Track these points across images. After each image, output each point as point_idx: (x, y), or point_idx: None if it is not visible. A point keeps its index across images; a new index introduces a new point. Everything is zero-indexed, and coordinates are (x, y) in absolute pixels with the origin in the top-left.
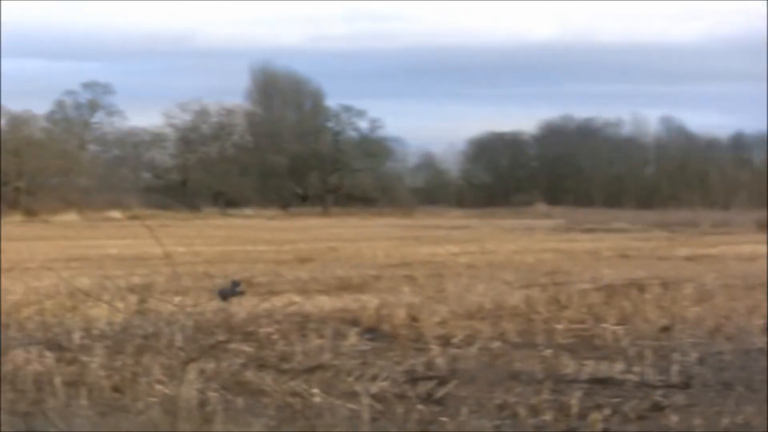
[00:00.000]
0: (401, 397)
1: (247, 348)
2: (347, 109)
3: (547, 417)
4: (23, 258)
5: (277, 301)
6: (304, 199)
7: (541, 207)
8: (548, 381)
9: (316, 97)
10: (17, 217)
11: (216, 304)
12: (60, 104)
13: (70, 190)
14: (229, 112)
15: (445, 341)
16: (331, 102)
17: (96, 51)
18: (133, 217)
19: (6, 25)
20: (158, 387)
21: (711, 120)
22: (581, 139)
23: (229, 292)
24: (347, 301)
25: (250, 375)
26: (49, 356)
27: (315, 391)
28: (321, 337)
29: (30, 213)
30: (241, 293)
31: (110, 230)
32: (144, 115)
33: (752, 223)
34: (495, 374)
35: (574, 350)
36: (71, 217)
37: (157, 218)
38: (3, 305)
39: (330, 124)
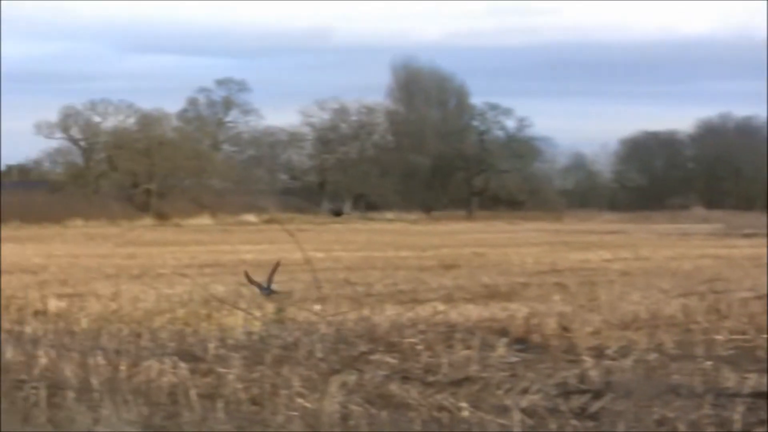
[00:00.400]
0: (553, 411)
1: (390, 359)
2: (493, 107)
3: None
4: (155, 264)
5: (421, 310)
6: (447, 202)
7: (698, 211)
8: (709, 395)
9: (460, 94)
10: (148, 221)
11: (357, 312)
12: (193, 102)
13: (203, 193)
14: (370, 110)
15: (599, 353)
16: (476, 100)
17: (231, 46)
18: (269, 221)
19: (137, 20)
20: (299, 400)
21: None
22: (741, 138)
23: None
24: (495, 310)
25: (394, 388)
26: (184, 367)
27: (463, 405)
28: (468, 347)
29: (161, 216)
30: (272, 291)
31: (245, 234)
32: (280, 113)
33: None
34: (652, 387)
35: (736, 362)
36: (204, 220)
37: (293, 222)
38: (135, 313)
39: (475, 123)
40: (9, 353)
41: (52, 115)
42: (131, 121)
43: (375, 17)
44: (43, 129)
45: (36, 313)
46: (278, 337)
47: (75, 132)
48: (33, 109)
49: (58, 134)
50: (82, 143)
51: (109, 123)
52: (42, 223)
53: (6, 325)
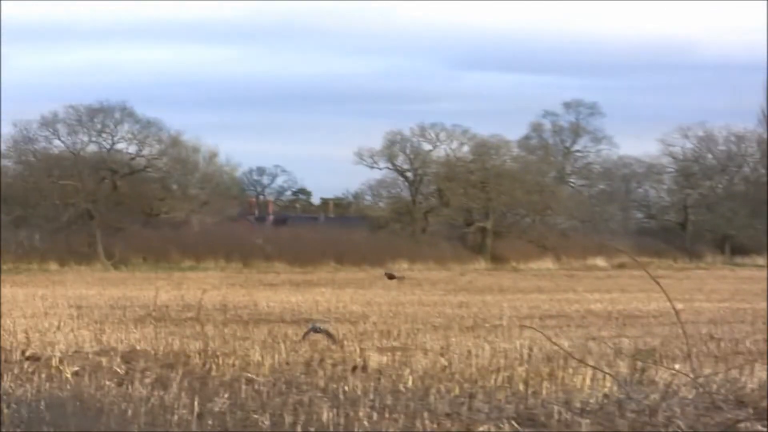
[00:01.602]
0: None
1: (762, 428)
2: None
3: None
4: (490, 313)
5: None
6: None
7: None
8: None
9: None
10: (482, 264)
11: (724, 374)
12: (536, 128)
13: (546, 233)
14: (739, 138)
15: None
16: None
17: (580, 64)
18: (621, 266)
19: (474, 33)
20: None
21: None
22: None
23: (314, 330)
24: None
25: None
26: None
27: None
28: None
29: (497, 259)
30: (325, 332)
31: (593, 281)
32: (636, 141)
33: None
34: None
35: None
36: (546, 264)
37: (649, 267)
38: (468, 370)
39: None
40: (325, 414)
41: (376, 142)
42: (465, 149)
43: (745, 29)
44: (364, 157)
45: (355, 369)
46: (634, 401)
47: (401, 161)
48: (353, 135)
49: (382, 163)
50: (408, 174)
51: (441, 151)
52: (361, 265)
53: (320, 383)
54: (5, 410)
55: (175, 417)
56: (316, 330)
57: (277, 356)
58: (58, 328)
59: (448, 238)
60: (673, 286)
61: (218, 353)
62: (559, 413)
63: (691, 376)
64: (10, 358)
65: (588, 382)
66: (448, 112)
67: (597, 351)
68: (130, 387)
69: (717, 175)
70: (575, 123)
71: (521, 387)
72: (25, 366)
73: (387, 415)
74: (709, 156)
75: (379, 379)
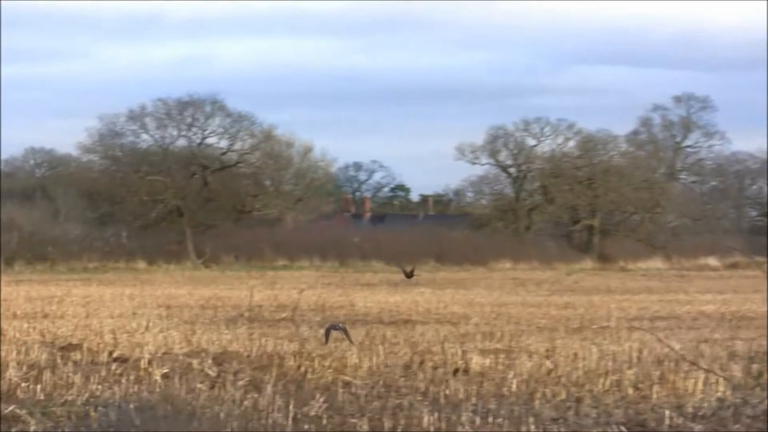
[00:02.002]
0: None
1: None
2: None
3: None
4: (597, 315)
5: None
6: None
7: None
8: None
9: None
10: (588, 264)
11: None
12: (646, 122)
13: (656, 231)
14: None
15: None
16: None
17: (692, 56)
18: (734, 266)
19: (579, 25)
20: None
21: None
22: None
23: (333, 328)
24: None
25: None
26: None
27: None
28: None
29: (604, 258)
30: (343, 330)
31: (704, 281)
32: (750, 137)
33: None
34: None
35: None
36: (655, 264)
37: (762, 267)
38: (574, 374)
39: None
40: (426, 418)
41: (477, 137)
42: (571, 144)
43: None
44: (466, 153)
45: (456, 372)
46: (750, 405)
47: (504, 157)
48: (454, 130)
49: (484, 159)
50: (512, 170)
51: (545, 146)
52: (463, 264)
53: (421, 386)
54: (93, 413)
55: (269, 421)
56: (335, 328)
57: (375, 358)
58: (147, 328)
59: (553, 237)
60: None
61: (314, 355)
62: (671, 418)
63: None
64: (97, 360)
65: (700, 386)
66: (552, 106)
67: (709, 354)
68: (222, 390)
69: None
70: (686, 117)
71: (630, 391)
72: (113, 368)
73: (490, 420)
74: None
75: (481, 382)
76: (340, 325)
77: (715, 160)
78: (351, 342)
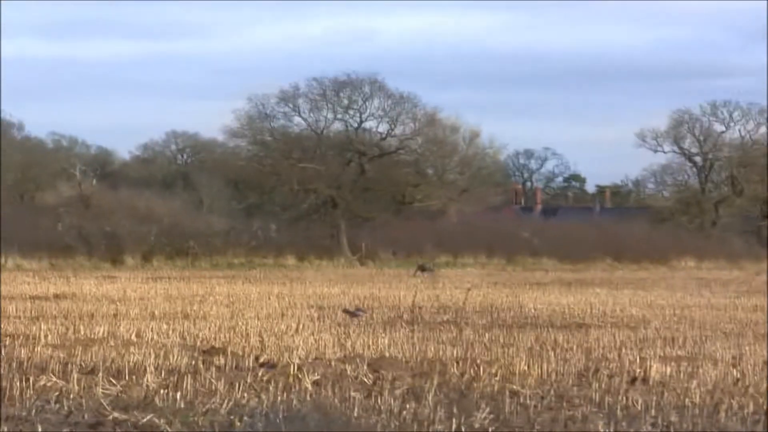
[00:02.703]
0: None
1: None
2: None
3: None
4: None
5: None
6: None
7: None
8: None
9: None
10: None
11: None
12: None
13: None
14: None
15: None
16: None
17: None
18: None
19: None
20: None
21: None
22: None
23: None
24: None
25: None
26: None
27: None
28: None
29: None
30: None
31: None
32: None
33: None
34: None
35: None
36: None
37: None
38: (763, 384)
39: None
40: (601, 428)
41: (660, 122)
42: (763, 130)
43: None
44: (647, 139)
45: (634, 381)
46: None
47: (689, 144)
48: (634, 114)
49: (667, 146)
50: (697, 159)
51: (734, 132)
52: (642, 262)
53: (595, 396)
54: (238, 423)
55: None
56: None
57: (545, 366)
58: (297, 331)
59: (742, 233)
60: None
61: (479, 361)
62: None
63: None
64: (242, 365)
65: None
66: (742, 88)
67: None
68: (378, 398)
69: None
70: None
71: None
72: (260, 374)
73: None
74: None
75: (661, 392)
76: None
77: None
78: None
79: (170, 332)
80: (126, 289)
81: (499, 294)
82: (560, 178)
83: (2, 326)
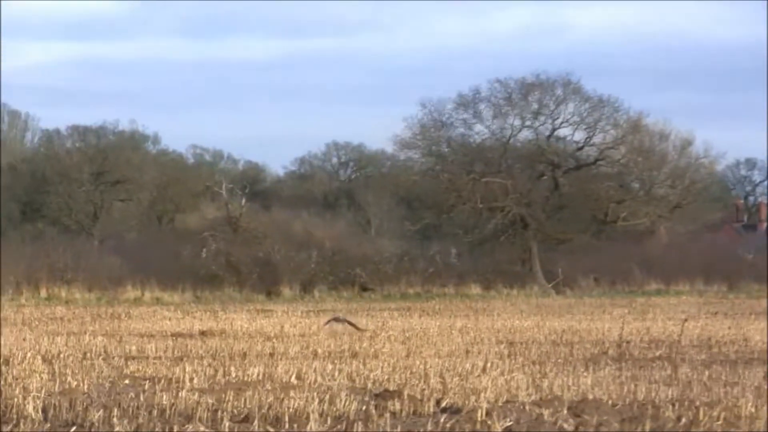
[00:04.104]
0: None
1: None
2: None
3: None
4: None
5: None
6: None
7: None
8: None
9: None
10: None
11: None
12: None
13: None
14: None
15: None
16: None
17: None
18: None
19: None
20: None
21: None
22: None
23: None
24: None
25: None
26: None
27: None
28: None
29: None
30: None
31: None
32: None
33: None
34: None
35: None
36: None
37: None
38: None
39: None
40: None
41: None
42: None
43: None
44: None
45: None
46: None
47: None
48: None
49: None
50: None
51: None
52: None
53: None
54: None
55: None
56: (337, 320)
57: None
58: (484, 370)
59: None
60: None
61: (698, 403)
62: None
63: None
64: (421, 410)
65: None
66: None
67: None
68: None
69: None
70: None
71: None
72: (442, 420)
73: None
74: None
75: None
76: (341, 317)
77: None
78: (358, 329)
79: (336, 373)
80: (283, 324)
81: (719, 325)
82: None
83: (141, 368)
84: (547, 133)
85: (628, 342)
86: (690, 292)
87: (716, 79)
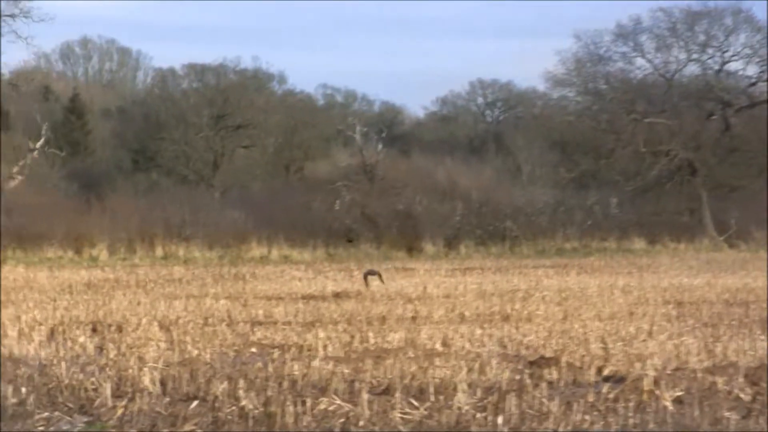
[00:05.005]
0: None
1: None
2: None
3: None
4: None
5: None
6: None
7: None
8: None
9: None
10: None
11: None
12: None
13: None
14: None
15: None
16: None
17: None
18: None
19: None
20: None
21: None
22: None
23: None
24: None
25: None
26: None
27: None
28: None
29: None
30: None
31: None
32: None
33: None
34: None
35: None
36: None
37: None
38: None
39: None
40: None
41: None
42: None
43: None
44: None
45: None
46: None
47: None
48: None
49: None
50: None
51: None
52: None
53: None
54: None
55: None
56: (371, 273)
57: None
58: (650, 334)
59: None
60: None
61: None
62: None
63: None
64: (581, 379)
65: None
66: None
67: None
68: (757, 419)
69: None
70: None
71: None
72: (604, 390)
73: None
74: None
75: None
76: (375, 270)
77: None
78: (382, 282)
79: (486, 339)
80: (426, 284)
81: None
82: None
83: (269, 335)
84: (716, 67)
85: None
86: None
87: None
